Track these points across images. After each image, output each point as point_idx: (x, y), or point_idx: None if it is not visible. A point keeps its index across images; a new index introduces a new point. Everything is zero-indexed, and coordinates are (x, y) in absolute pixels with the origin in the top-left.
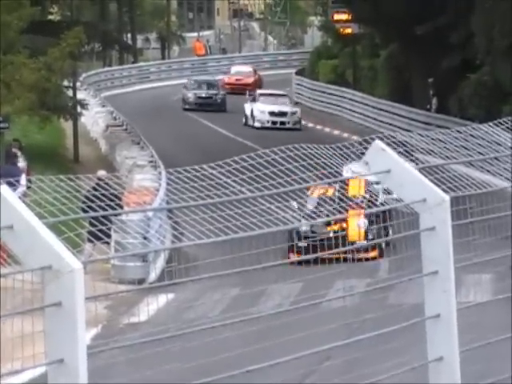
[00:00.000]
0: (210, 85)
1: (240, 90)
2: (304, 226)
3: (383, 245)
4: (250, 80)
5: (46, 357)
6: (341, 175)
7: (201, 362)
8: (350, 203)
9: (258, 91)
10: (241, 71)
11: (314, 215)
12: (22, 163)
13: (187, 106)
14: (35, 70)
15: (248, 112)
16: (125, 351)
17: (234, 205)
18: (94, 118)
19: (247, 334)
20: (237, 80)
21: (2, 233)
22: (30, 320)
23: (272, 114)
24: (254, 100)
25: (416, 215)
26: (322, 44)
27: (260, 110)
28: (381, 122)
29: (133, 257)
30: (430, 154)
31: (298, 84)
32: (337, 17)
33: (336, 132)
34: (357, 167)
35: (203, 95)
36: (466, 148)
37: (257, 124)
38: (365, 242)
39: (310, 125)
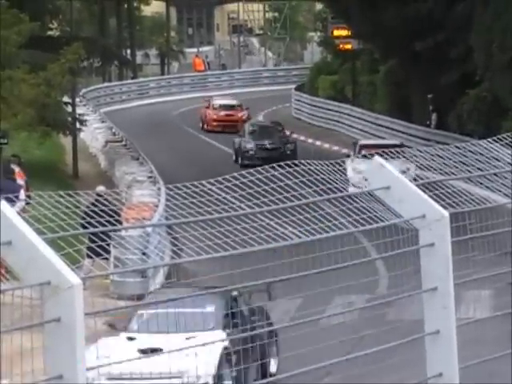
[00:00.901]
0: (273, 130)
1: (230, 127)
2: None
3: None
4: (243, 115)
5: (45, 373)
6: (340, 191)
7: None
8: None
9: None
10: (227, 104)
11: None
12: (20, 181)
13: (246, 162)
14: (34, 85)
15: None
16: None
17: (233, 221)
18: (94, 134)
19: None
20: (227, 116)
21: (1, 248)
22: (29, 336)
23: None
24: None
25: (415, 231)
26: (321, 60)
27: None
28: (380, 137)
29: (132, 272)
30: (430, 170)
31: (298, 100)
32: (336, 32)
33: (335, 148)
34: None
35: (267, 146)
36: (465, 164)
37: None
38: None
39: (310, 140)
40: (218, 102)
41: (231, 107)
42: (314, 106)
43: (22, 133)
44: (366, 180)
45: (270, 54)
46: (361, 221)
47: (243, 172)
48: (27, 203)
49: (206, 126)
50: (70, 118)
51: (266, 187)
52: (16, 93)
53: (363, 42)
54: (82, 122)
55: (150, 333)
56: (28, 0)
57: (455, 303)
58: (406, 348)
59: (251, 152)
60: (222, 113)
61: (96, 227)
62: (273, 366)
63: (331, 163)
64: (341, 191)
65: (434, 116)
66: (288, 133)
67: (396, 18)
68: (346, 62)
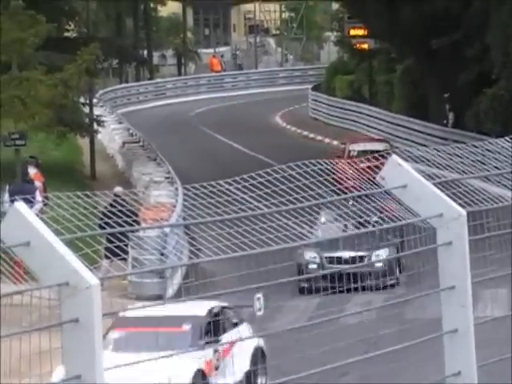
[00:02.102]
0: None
1: None
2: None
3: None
4: None
5: (64, 373)
6: (358, 190)
7: None
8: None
9: None
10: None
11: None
12: (38, 182)
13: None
14: (52, 86)
15: None
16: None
17: (250, 220)
18: (111, 135)
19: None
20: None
21: (19, 249)
22: (47, 336)
23: None
24: None
25: (433, 230)
26: (338, 59)
27: None
28: (397, 137)
29: (150, 273)
30: (447, 169)
31: (314, 100)
32: (353, 32)
33: None
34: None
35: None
36: (482, 162)
37: None
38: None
39: (327, 140)
40: (356, 147)
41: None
42: (331, 105)
43: (40, 134)
44: (382, 179)
45: (286, 53)
46: (378, 220)
47: (260, 172)
48: (45, 204)
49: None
50: (87, 119)
51: (284, 187)
52: (33, 94)
53: (380, 42)
54: (100, 123)
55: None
56: (44, 1)
57: (473, 302)
58: (424, 347)
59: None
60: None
61: (114, 228)
62: None
63: (348, 162)
64: (358, 190)
65: (450, 115)
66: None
67: (412, 17)
68: (363, 62)
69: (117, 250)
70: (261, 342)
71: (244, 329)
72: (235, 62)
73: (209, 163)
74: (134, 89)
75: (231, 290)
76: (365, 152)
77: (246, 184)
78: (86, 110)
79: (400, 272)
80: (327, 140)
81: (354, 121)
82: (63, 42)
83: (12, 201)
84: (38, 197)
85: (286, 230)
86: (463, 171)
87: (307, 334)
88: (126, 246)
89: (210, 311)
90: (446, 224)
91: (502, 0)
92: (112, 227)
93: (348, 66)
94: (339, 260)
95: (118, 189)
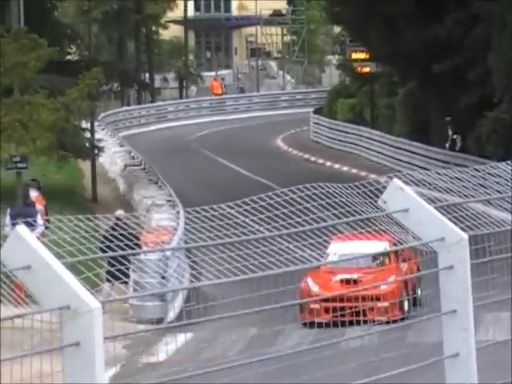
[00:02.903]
0: None
1: None
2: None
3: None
4: None
5: None
6: (359, 214)
7: None
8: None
9: None
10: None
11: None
12: (39, 206)
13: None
14: (53, 110)
15: None
16: None
17: (252, 244)
18: (112, 158)
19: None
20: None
21: (20, 273)
22: (48, 360)
23: None
24: None
25: (434, 254)
26: (339, 83)
27: None
28: (399, 160)
29: (151, 296)
30: (448, 193)
31: (316, 123)
32: (354, 56)
33: (354, 171)
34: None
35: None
36: (484, 186)
37: None
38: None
39: (328, 163)
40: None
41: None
42: (333, 128)
43: (42, 157)
44: (384, 203)
45: (288, 77)
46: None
47: (262, 195)
48: (46, 227)
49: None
50: (87, 144)
51: (285, 210)
52: (35, 117)
53: (381, 65)
54: (100, 149)
55: None
56: (46, 25)
57: (474, 325)
58: (426, 371)
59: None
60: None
61: (115, 251)
62: None
63: (350, 186)
64: (360, 214)
65: (458, 138)
66: None
67: (414, 41)
68: (365, 85)
69: (118, 274)
70: None
71: None
72: (237, 85)
73: (210, 186)
74: (136, 112)
75: (233, 313)
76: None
77: (248, 207)
78: (87, 134)
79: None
80: (329, 163)
81: (356, 144)
82: (65, 66)
83: (13, 224)
84: (40, 220)
85: (288, 253)
86: (465, 195)
87: (308, 358)
88: (128, 269)
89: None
90: (447, 248)
91: (504, 24)
92: (113, 250)
93: (350, 90)
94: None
95: (120, 212)
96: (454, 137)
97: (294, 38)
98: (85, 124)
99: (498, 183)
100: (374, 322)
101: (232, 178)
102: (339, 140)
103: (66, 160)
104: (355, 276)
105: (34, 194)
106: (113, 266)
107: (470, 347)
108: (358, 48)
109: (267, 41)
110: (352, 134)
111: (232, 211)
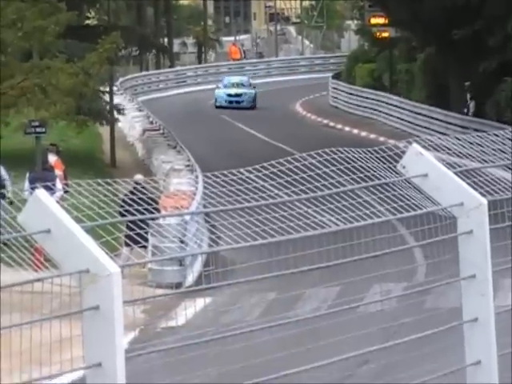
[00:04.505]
0: None
1: None
2: None
3: None
4: None
5: (84, 361)
6: (378, 179)
7: (238, 366)
8: None
9: None
10: None
11: None
12: (58, 171)
13: None
14: (72, 74)
15: None
16: (162, 355)
17: (271, 208)
18: (131, 123)
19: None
20: None
21: (40, 237)
22: (68, 324)
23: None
24: None
25: (453, 219)
26: (358, 48)
27: None
28: (417, 125)
29: (170, 261)
30: (467, 158)
31: (335, 88)
32: (373, 21)
33: (372, 136)
34: None
35: None
36: (503, 151)
37: None
38: None
39: (347, 128)
40: None
41: None
42: (352, 94)
43: (61, 122)
44: (403, 168)
45: (306, 42)
46: (398, 208)
47: (280, 160)
48: (65, 191)
49: None
50: (107, 107)
51: (304, 175)
52: (54, 82)
53: (400, 30)
54: (120, 111)
55: None
56: None
57: (493, 291)
58: (445, 336)
59: None
60: None
61: (134, 215)
62: None
63: (369, 151)
64: (378, 179)
65: (472, 104)
66: None
67: (433, 6)
68: (383, 51)
69: (137, 238)
70: None
71: None
72: (256, 49)
73: (229, 151)
74: (155, 76)
75: (252, 277)
76: None
77: (267, 172)
78: (107, 98)
79: None
80: (347, 128)
81: (375, 109)
82: (84, 30)
83: (32, 188)
84: (59, 184)
85: (307, 218)
86: (484, 160)
87: (327, 322)
88: (147, 233)
89: None
90: (466, 213)
91: None
92: (132, 215)
93: (368, 55)
94: None
95: (139, 176)
96: (468, 102)
97: (313, 2)
98: (104, 89)
99: None
100: None
101: (251, 143)
102: (358, 105)
103: (86, 124)
104: None
105: (52, 158)
106: (132, 230)
107: (488, 312)
108: (377, 13)
109: (286, 6)
110: (371, 99)
111: (251, 176)
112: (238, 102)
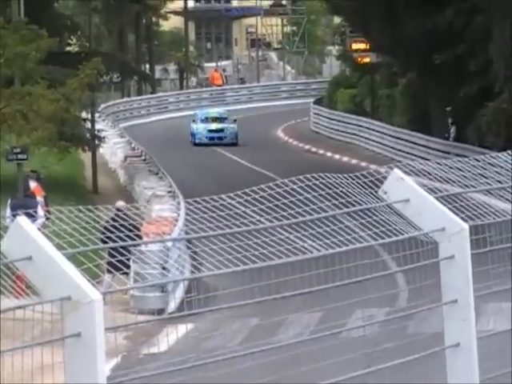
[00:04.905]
0: None
1: None
2: None
3: None
4: None
5: None
6: (360, 205)
7: None
8: None
9: None
10: None
11: None
12: (39, 197)
13: None
14: (53, 100)
15: None
16: (144, 382)
17: (252, 234)
18: (113, 149)
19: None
20: None
21: (21, 264)
22: (49, 351)
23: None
24: None
25: (435, 244)
26: (340, 73)
27: None
28: (399, 150)
29: (152, 287)
30: (449, 183)
31: (316, 113)
32: (355, 46)
33: (354, 161)
34: None
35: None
36: (484, 176)
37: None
38: None
39: (329, 154)
40: None
41: None
42: (333, 119)
43: (42, 148)
44: (385, 193)
45: (288, 67)
46: (380, 234)
47: (262, 186)
48: (47, 218)
49: None
50: (88, 134)
51: (286, 201)
52: (35, 108)
53: (382, 56)
54: (101, 139)
55: None
56: (47, 16)
57: (475, 316)
58: (427, 361)
59: None
60: None
61: (116, 242)
62: None
63: (350, 176)
64: (360, 204)
65: (452, 129)
66: None
67: (415, 31)
68: (365, 76)
69: (119, 265)
70: None
71: None
72: (237, 75)
73: (211, 177)
74: (136, 103)
75: (234, 303)
76: None
77: (249, 198)
78: (88, 125)
79: None
80: (329, 154)
81: (356, 134)
82: (65, 57)
83: (14, 215)
84: (40, 211)
85: (288, 243)
86: (465, 185)
87: (310, 348)
88: (128, 260)
89: None
90: (448, 238)
91: (505, 15)
92: (114, 241)
93: (350, 80)
94: None
95: (120, 203)
96: (450, 127)
97: (295, 28)
98: (85, 115)
99: (498, 173)
100: None
101: (233, 168)
102: (339, 130)
103: (67, 151)
104: None
105: (32, 184)
106: (113, 256)
107: (470, 337)
108: (359, 38)
109: (267, 31)
110: (352, 124)
111: (233, 202)
112: (220, 139)
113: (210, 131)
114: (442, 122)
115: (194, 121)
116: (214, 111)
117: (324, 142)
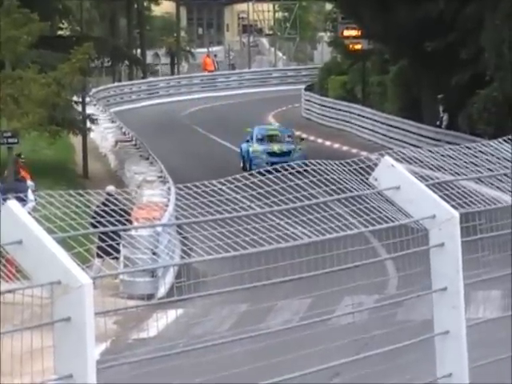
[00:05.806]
0: None
1: None
2: None
3: None
4: None
5: (55, 372)
6: (350, 191)
7: (209, 377)
8: None
9: None
10: None
11: None
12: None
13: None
14: (45, 85)
15: None
16: (134, 366)
17: (243, 220)
18: (103, 134)
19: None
20: None
21: (12, 248)
22: (39, 335)
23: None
24: None
25: (425, 231)
26: (331, 60)
27: None
28: (390, 138)
29: (142, 272)
30: (440, 171)
31: (308, 100)
32: (346, 33)
33: (345, 148)
34: None
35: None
36: (475, 164)
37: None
38: None
39: (320, 140)
40: None
41: None
42: (324, 106)
43: (33, 132)
44: (375, 180)
45: (279, 54)
46: (371, 221)
47: (253, 172)
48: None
49: None
50: (80, 118)
51: (276, 187)
52: (26, 92)
53: (373, 43)
54: (93, 121)
55: None
56: (38, 0)
57: (465, 303)
58: (416, 348)
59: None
60: None
61: (106, 226)
62: None
63: (341, 163)
64: (351, 191)
65: (445, 116)
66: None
67: (407, 19)
68: (356, 63)
69: (109, 249)
70: None
71: None
72: (228, 61)
73: (201, 163)
74: (127, 87)
75: (223, 289)
76: None
77: (239, 184)
78: (79, 108)
79: None
80: (320, 140)
81: (347, 121)
82: (56, 41)
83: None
84: (31, 195)
85: (279, 230)
86: (456, 173)
87: (299, 334)
88: (118, 244)
89: None
90: (438, 225)
91: (496, 2)
92: (104, 226)
93: (341, 67)
94: None
95: (111, 188)
96: (442, 114)
97: (286, 14)
98: (76, 99)
99: (489, 161)
100: None
101: (223, 154)
102: (331, 117)
103: (58, 135)
104: None
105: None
106: (104, 241)
107: (460, 325)
108: (350, 25)
109: (259, 17)
110: (343, 111)
111: (223, 187)
112: (285, 162)
113: (271, 154)
114: (433, 110)
115: (247, 140)
116: (274, 128)
117: (315, 129)
